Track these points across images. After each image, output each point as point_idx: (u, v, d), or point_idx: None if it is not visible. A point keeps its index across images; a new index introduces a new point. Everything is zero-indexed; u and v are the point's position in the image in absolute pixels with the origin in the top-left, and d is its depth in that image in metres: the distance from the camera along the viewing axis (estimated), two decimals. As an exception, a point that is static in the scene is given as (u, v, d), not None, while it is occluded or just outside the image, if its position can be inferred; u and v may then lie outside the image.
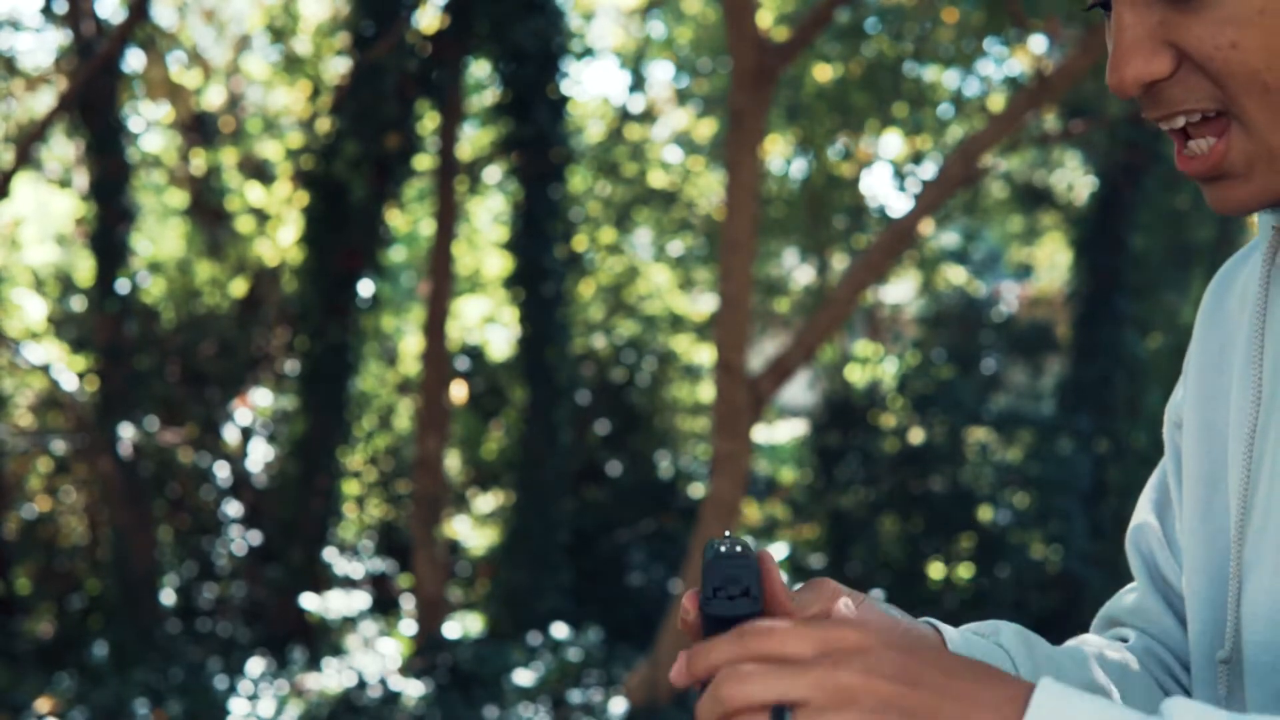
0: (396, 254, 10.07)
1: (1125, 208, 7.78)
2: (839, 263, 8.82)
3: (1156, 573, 1.03)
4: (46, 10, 6.41)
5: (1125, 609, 1.06)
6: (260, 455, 7.75)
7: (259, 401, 7.87)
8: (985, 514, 7.55)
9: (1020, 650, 0.97)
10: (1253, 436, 0.85)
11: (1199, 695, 0.88)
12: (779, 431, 11.28)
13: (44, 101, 7.03)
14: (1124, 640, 1.04)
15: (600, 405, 8.46)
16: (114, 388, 6.68)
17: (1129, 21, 0.77)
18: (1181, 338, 8.94)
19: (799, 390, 10.35)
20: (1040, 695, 0.65)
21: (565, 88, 7.14)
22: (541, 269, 7.11)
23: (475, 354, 8.16)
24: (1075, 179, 9.57)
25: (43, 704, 5.81)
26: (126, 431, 6.62)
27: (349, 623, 7.03)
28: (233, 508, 7.60)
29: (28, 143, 4.88)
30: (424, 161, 7.17)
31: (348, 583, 7.53)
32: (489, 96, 7.81)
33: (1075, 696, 0.66)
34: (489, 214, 9.37)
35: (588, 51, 7.64)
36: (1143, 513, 1.03)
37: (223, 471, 7.60)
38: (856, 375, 8.52)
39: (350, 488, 7.69)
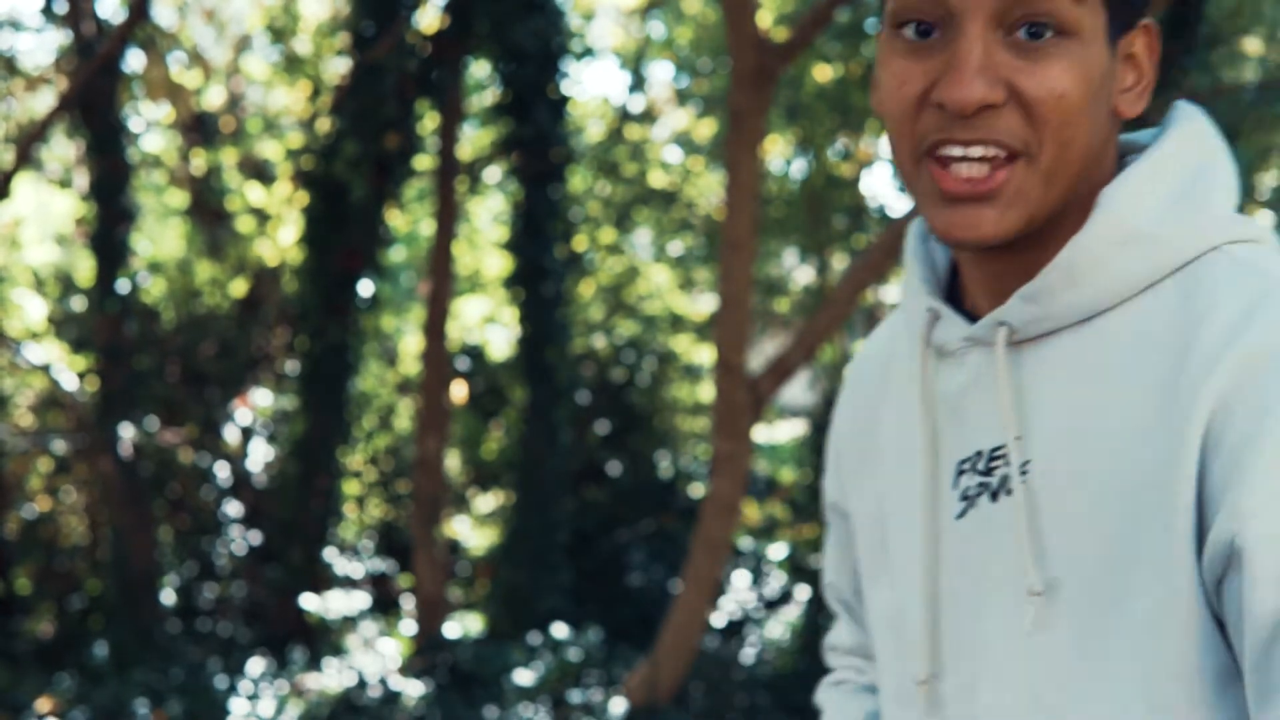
0: (397, 254, 10.08)
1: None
2: (839, 263, 8.83)
3: (857, 616, 1.20)
4: (47, 10, 6.42)
5: (847, 644, 1.23)
6: (260, 455, 7.76)
7: (259, 401, 7.88)
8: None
9: None
10: (933, 521, 0.97)
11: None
12: (779, 431, 11.29)
13: (44, 102, 7.04)
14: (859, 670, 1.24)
15: (600, 405, 8.47)
16: (114, 388, 6.69)
17: (980, 50, 0.86)
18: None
19: (799, 390, 10.36)
20: None
21: (565, 88, 7.15)
22: (541, 269, 7.12)
23: (475, 354, 8.17)
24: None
25: (43, 704, 5.82)
26: (127, 431, 6.63)
27: (349, 623, 7.04)
28: (233, 508, 7.61)
29: (28, 143, 4.88)
30: (424, 161, 7.17)
31: (348, 583, 7.55)
32: (489, 96, 7.82)
33: None
34: (489, 214, 9.38)
35: (588, 51, 7.65)
36: (830, 573, 1.20)
37: (223, 472, 7.61)
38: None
39: (350, 488, 7.70)
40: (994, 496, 0.94)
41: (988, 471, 0.94)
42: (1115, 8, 0.88)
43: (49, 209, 9.41)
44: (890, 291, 9.29)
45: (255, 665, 6.53)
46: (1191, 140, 0.92)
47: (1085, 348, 0.91)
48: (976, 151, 0.88)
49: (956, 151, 0.88)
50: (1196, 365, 0.84)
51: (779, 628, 7.29)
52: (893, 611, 1.03)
